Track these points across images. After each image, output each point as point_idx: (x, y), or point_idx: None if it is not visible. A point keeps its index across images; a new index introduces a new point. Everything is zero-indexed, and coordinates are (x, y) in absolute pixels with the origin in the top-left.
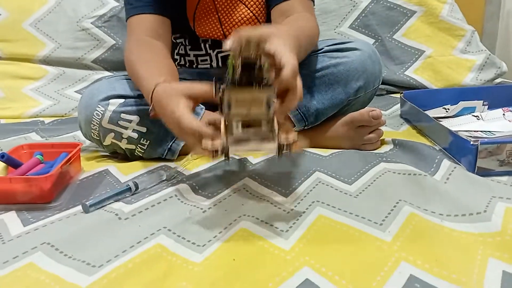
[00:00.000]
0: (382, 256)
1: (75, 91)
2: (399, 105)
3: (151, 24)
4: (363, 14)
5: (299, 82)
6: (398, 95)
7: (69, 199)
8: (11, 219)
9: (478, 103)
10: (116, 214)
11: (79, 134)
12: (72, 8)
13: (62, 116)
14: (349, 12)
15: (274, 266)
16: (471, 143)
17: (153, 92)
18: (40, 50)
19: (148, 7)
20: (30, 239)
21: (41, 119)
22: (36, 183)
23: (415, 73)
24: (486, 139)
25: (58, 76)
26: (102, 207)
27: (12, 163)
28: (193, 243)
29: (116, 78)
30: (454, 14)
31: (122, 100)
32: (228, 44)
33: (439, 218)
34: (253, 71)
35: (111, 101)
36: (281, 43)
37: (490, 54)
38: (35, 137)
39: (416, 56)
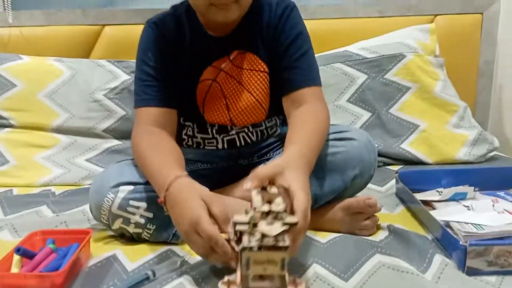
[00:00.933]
0: None
1: (85, 160)
2: (394, 180)
3: (157, 116)
4: (360, 89)
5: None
6: (394, 167)
7: None
8: None
9: (469, 189)
10: None
11: (87, 208)
12: (85, 80)
13: (72, 185)
14: (347, 87)
15: None
16: (460, 243)
17: (170, 184)
18: (53, 120)
19: (154, 100)
20: None
21: (52, 189)
22: (49, 279)
23: (410, 146)
24: (474, 241)
25: (70, 144)
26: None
27: (26, 255)
28: None
29: (126, 163)
30: (447, 91)
31: (131, 187)
32: (248, 184)
33: None
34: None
35: (120, 188)
36: (293, 178)
37: (482, 130)
38: (46, 212)
39: (411, 130)
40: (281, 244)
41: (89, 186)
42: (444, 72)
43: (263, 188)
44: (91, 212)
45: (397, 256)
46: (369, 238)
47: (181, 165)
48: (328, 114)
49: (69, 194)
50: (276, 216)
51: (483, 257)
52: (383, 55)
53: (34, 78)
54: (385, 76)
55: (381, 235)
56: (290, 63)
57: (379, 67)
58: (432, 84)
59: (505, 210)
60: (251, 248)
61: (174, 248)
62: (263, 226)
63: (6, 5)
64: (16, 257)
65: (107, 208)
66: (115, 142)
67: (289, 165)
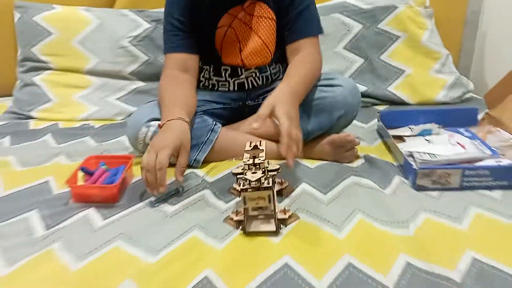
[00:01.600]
0: (333, 249)
1: (115, 98)
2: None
3: (182, 61)
4: (356, 38)
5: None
6: (381, 107)
7: (128, 199)
8: (93, 215)
9: (434, 126)
10: (164, 213)
11: (123, 139)
12: (112, 29)
13: (107, 120)
14: (343, 35)
15: (266, 252)
16: (413, 167)
17: (171, 119)
18: (86, 64)
19: (179, 47)
20: (110, 229)
21: (91, 123)
22: (107, 190)
23: (396, 89)
24: (424, 165)
25: (102, 85)
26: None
27: (88, 172)
28: (216, 236)
29: (154, 103)
30: (432, 40)
31: (159, 122)
32: (255, 125)
33: (379, 223)
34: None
35: (151, 123)
36: (280, 110)
37: (459, 75)
38: (90, 142)
39: (398, 74)
40: (265, 185)
41: (121, 121)
42: (432, 22)
43: (255, 147)
44: (129, 141)
45: (367, 178)
46: (349, 164)
47: (186, 109)
48: (321, 59)
49: (106, 128)
50: (259, 166)
51: (429, 178)
52: (377, 6)
53: (67, 26)
54: (378, 26)
55: (358, 163)
56: (293, 15)
57: (373, 17)
58: (419, 34)
59: (457, 143)
60: (245, 189)
61: (195, 170)
62: (249, 175)
63: None
64: (80, 174)
65: (142, 139)
66: (140, 84)
67: (277, 101)
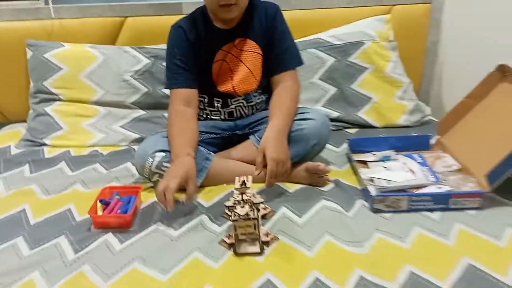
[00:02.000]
0: (304, 266)
1: (119, 126)
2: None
3: (186, 96)
4: (329, 70)
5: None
6: (351, 130)
7: (139, 225)
8: (111, 239)
9: (392, 153)
10: (170, 237)
11: (129, 165)
12: (115, 64)
13: (112, 146)
14: (319, 67)
15: (252, 270)
16: (371, 194)
17: (180, 156)
18: (93, 95)
19: (182, 83)
20: (127, 252)
21: (99, 150)
22: (123, 218)
23: (364, 114)
24: (381, 191)
25: (107, 114)
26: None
27: (105, 203)
28: (212, 256)
29: (160, 135)
30: (395, 70)
31: (163, 154)
32: (256, 172)
33: (341, 242)
34: (251, 213)
35: (156, 154)
36: (268, 153)
37: (418, 102)
38: (100, 169)
39: (366, 101)
40: (251, 216)
41: (125, 146)
42: (396, 54)
43: (244, 183)
44: (136, 170)
45: (335, 202)
46: (321, 188)
47: (193, 143)
48: (298, 88)
49: (112, 154)
50: (246, 201)
51: (383, 202)
52: (347, 42)
53: (75, 62)
54: (348, 59)
55: (329, 187)
56: (277, 52)
57: (344, 51)
58: (384, 65)
59: (410, 169)
60: (235, 220)
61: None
62: (238, 209)
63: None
64: (99, 204)
65: (148, 168)
66: (141, 112)
67: (267, 146)
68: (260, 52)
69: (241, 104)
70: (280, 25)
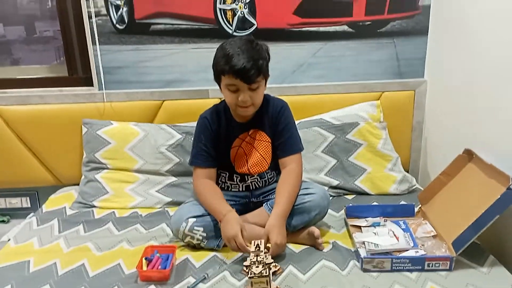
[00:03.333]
0: None
1: (155, 191)
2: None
3: (207, 173)
4: (330, 144)
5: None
6: (349, 196)
7: (175, 278)
8: None
9: (381, 220)
10: None
11: (164, 226)
12: (153, 139)
13: (149, 208)
14: (321, 143)
15: None
16: (361, 256)
17: (225, 215)
18: (134, 165)
19: (205, 163)
20: None
21: (139, 212)
22: (163, 273)
23: (360, 183)
24: (368, 255)
25: (145, 181)
26: (194, 286)
27: (148, 260)
28: None
29: (192, 203)
30: (386, 146)
31: (195, 219)
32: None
33: None
34: (263, 271)
35: (189, 219)
36: (272, 235)
37: (405, 174)
38: (141, 229)
39: (362, 172)
40: (264, 274)
41: (160, 209)
42: (385, 132)
43: (257, 246)
44: (172, 232)
45: (332, 261)
46: (322, 250)
47: (225, 201)
48: (301, 170)
49: (150, 216)
50: (260, 262)
51: (370, 264)
52: (345, 123)
53: (121, 137)
54: (346, 136)
55: (327, 248)
56: (282, 140)
57: (342, 130)
58: (376, 142)
59: (394, 235)
60: (251, 277)
61: (217, 253)
62: (253, 268)
63: (103, 87)
64: (144, 261)
65: (182, 231)
66: (173, 179)
67: (271, 231)
68: (269, 140)
69: (255, 179)
70: (285, 119)
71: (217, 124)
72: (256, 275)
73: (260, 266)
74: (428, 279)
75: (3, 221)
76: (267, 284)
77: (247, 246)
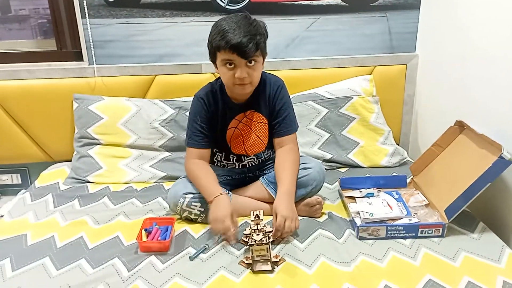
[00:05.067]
0: (305, 281)
1: (149, 166)
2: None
3: (200, 153)
4: (323, 119)
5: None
6: (343, 169)
7: (175, 249)
8: (155, 260)
9: (375, 190)
10: (201, 259)
11: (160, 200)
12: (146, 114)
13: (144, 183)
14: (315, 117)
15: (265, 284)
16: (357, 224)
17: (214, 198)
18: (127, 140)
19: (199, 144)
20: (169, 270)
21: (134, 186)
22: (163, 243)
23: (353, 156)
24: (363, 224)
25: (138, 156)
26: (195, 256)
27: (148, 231)
28: (234, 273)
29: (187, 179)
30: (378, 120)
31: (191, 195)
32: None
33: (333, 263)
34: (263, 239)
35: (186, 195)
36: (279, 211)
37: (397, 147)
38: (137, 203)
39: (354, 145)
40: (264, 241)
41: (154, 183)
42: (378, 106)
43: (257, 215)
44: (169, 207)
45: (328, 230)
46: (318, 219)
47: (217, 183)
48: (297, 149)
49: (145, 190)
50: (261, 230)
51: (366, 231)
52: (338, 97)
53: (113, 113)
54: (339, 111)
55: (323, 218)
56: (279, 120)
57: (336, 104)
58: (368, 116)
59: (388, 204)
60: (252, 244)
61: None
62: (254, 236)
63: (93, 62)
64: (144, 233)
65: (180, 206)
66: (167, 154)
67: (277, 209)
68: (266, 121)
69: (252, 159)
70: (281, 99)
71: (214, 105)
72: (256, 242)
73: (260, 234)
74: (422, 245)
75: None
76: (267, 251)
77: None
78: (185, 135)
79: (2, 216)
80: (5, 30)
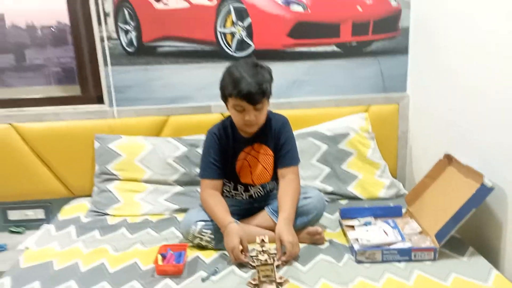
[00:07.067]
0: None
1: (163, 199)
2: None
3: (214, 185)
4: (324, 154)
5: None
6: (343, 201)
7: (188, 273)
8: (170, 283)
9: (372, 219)
10: (212, 281)
11: (173, 230)
12: (161, 151)
13: (158, 215)
14: (315, 152)
15: None
16: (355, 249)
17: (226, 226)
18: (143, 175)
19: (212, 175)
20: None
21: (149, 218)
22: (177, 267)
23: (352, 189)
24: (360, 248)
25: (154, 190)
26: (207, 278)
27: (163, 256)
28: None
29: (199, 209)
30: (374, 155)
31: (203, 223)
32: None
33: (333, 283)
34: (268, 259)
35: (198, 223)
36: (283, 236)
37: (393, 180)
38: (152, 232)
39: (353, 179)
40: (269, 262)
41: (169, 216)
42: (374, 142)
43: (262, 240)
44: (182, 235)
45: (329, 255)
46: (320, 246)
47: (229, 213)
48: (299, 181)
49: (160, 221)
50: (266, 252)
51: (363, 255)
52: (337, 133)
53: (130, 150)
54: (338, 146)
55: (325, 245)
56: (283, 153)
57: (335, 140)
58: (365, 151)
59: (384, 231)
60: (258, 265)
61: (225, 251)
62: (260, 257)
63: (113, 105)
64: (159, 257)
65: (192, 233)
66: (179, 188)
67: (281, 234)
68: (272, 154)
69: (258, 189)
70: (285, 134)
71: (225, 139)
72: (262, 262)
73: (265, 255)
74: (416, 268)
75: (18, 232)
76: (271, 272)
77: (245, 255)
78: (199, 168)
79: (26, 248)
80: (18, 78)
